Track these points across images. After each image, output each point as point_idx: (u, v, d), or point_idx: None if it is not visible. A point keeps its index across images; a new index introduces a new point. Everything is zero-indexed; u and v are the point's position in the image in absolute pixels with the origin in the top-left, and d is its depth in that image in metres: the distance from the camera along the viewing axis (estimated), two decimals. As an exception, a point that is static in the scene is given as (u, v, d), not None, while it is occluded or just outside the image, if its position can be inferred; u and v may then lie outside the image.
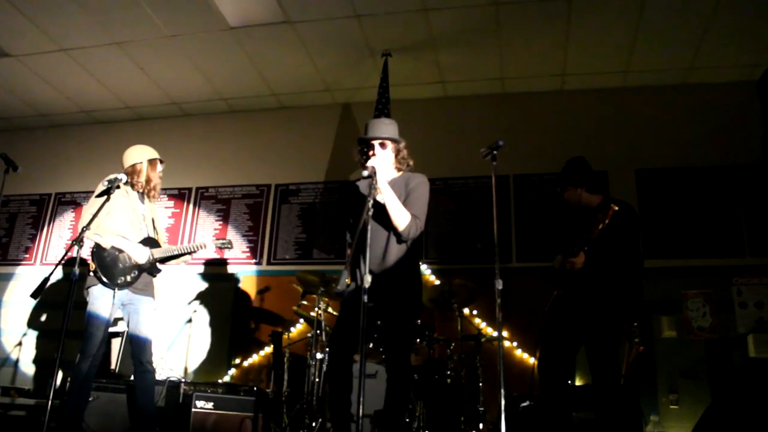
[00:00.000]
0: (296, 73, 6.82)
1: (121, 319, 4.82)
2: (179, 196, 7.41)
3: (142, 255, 4.43)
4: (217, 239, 4.98)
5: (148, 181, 4.66)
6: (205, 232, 7.16)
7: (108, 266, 4.35)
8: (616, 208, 3.85)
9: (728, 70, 6.37)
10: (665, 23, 5.74)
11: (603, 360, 3.99)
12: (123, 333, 5.80)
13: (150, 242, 4.55)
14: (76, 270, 3.73)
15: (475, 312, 6.01)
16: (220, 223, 7.14)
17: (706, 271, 5.89)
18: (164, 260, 4.59)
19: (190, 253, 4.70)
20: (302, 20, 5.92)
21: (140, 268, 4.44)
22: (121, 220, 4.49)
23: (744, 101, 6.11)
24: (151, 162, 4.70)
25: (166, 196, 7.27)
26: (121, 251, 4.41)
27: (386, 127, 3.87)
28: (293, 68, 6.71)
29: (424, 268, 6.29)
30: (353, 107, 7.32)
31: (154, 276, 4.50)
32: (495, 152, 3.61)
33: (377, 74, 6.39)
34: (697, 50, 6.08)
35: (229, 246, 4.97)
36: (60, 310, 6.96)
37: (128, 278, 4.39)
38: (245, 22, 5.98)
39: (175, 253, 4.58)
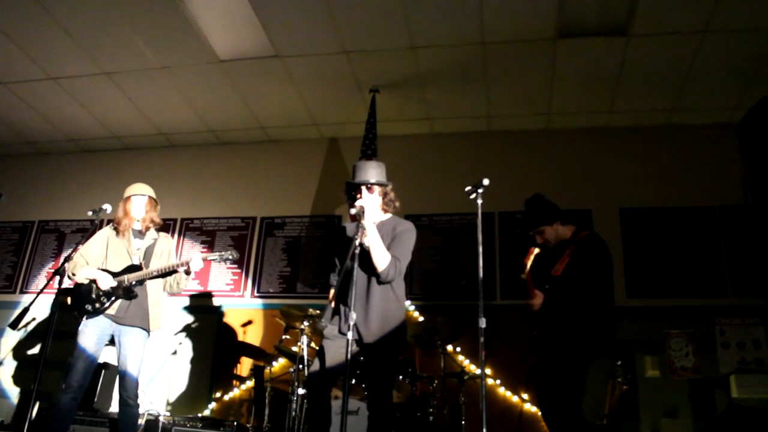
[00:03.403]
0: (284, 107, 6.86)
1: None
2: (164, 227, 7.33)
3: (104, 281, 4.41)
4: (213, 252, 4.78)
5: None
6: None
7: (80, 296, 4.40)
8: (585, 233, 3.87)
9: (711, 113, 6.48)
10: (649, 65, 5.84)
11: (559, 399, 3.93)
12: (103, 366, 5.73)
13: (132, 269, 4.51)
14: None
15: (458, 349, 5.98)
16: (205, 254, 7.08)
17: (689, 311, 5.91)
18: (142, 281, 4.49)
19: (172, 272, 4.60)
20: (291, 55, 5.97)
21: (112, 295, 4.39)
22: (96, 253, 4.60)
23: (726, 143, 6.17)
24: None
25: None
26: (93, 281, 4.43)
27: (373, 170, 3.87)
28: (281, 102, 6.75)
29: (408, 304, 6.26)
30: (340, 142, 7.36)
31: (130, 299, 4.42)
32: (480, 190, 3.63)
33: (364, 109, 6.44)
34: (680, 92, 6.19)
35: (231, 257, 4.70)
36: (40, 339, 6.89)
37: (97, 305, 4.36)
38: (235, 55, 6.03)
39: (154, 274, 4.51)
